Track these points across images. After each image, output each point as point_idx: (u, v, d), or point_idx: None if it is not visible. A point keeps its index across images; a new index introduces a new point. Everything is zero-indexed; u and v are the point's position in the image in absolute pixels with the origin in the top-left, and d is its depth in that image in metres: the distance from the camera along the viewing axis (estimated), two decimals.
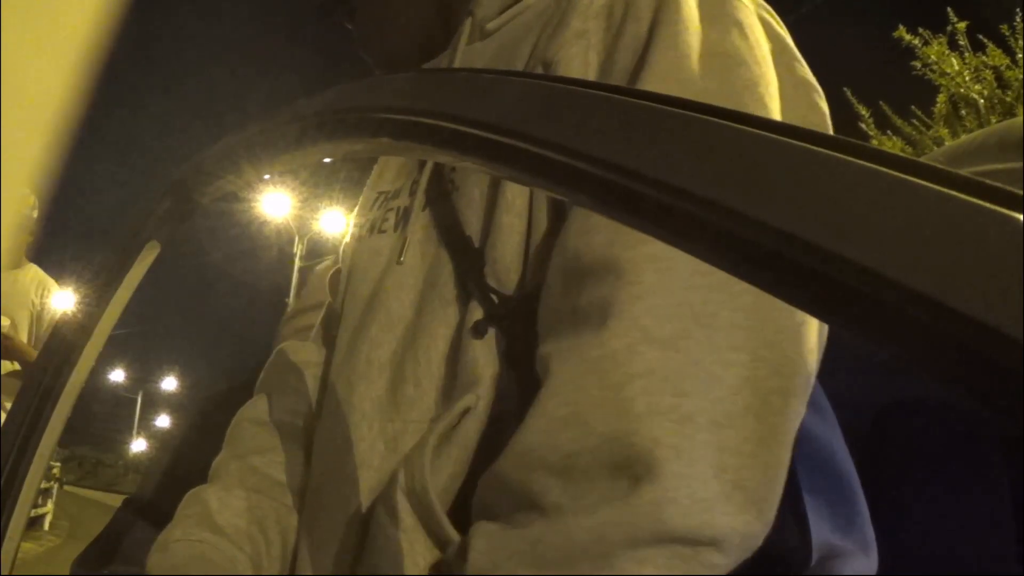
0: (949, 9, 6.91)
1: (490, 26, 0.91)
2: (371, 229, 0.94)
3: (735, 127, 0.34)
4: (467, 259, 0.78)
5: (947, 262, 0.27)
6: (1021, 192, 0.26)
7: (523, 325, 0.72)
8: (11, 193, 0.28)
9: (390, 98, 0.52)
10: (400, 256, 0.84)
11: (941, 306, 0.27)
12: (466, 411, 0.72)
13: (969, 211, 0.27)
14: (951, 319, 0.26)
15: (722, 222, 0.33)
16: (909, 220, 0.28)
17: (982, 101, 6.82)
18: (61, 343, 0.88)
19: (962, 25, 6.95)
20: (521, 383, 0.72)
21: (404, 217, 0.89)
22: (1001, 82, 6.84)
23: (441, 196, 0.84)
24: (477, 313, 0.75)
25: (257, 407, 1.06)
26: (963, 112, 7.12)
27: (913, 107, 7.42)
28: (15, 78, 0.28)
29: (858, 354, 0.71)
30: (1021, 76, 6.65)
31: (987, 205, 0.27)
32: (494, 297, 0.75)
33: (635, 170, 0.35)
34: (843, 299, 0.30)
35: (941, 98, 7.21)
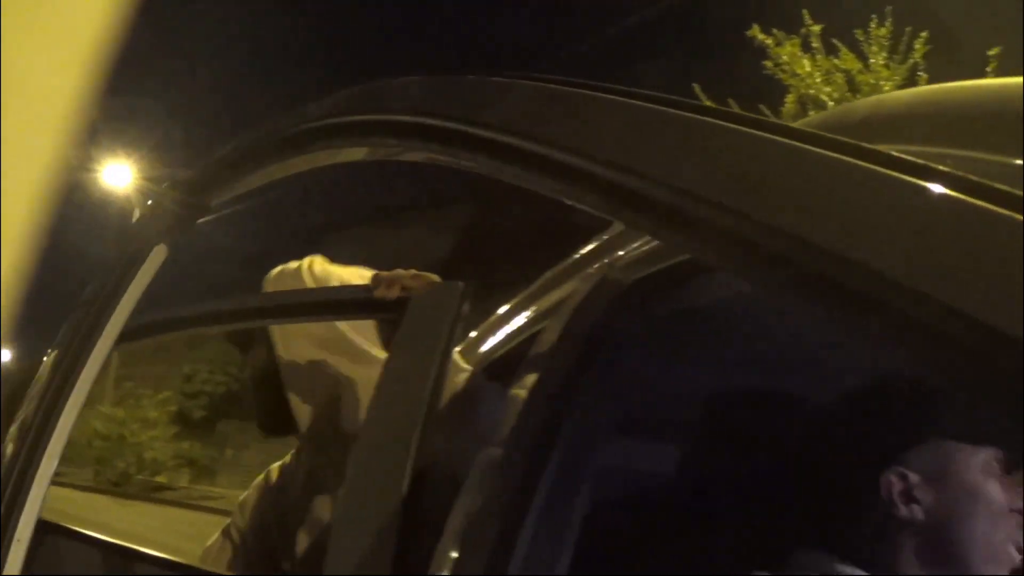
0: (805, 11, 7.08)
1: None
2: None
3: (737, 128, 0.34)
4: None
5: (947, 262, 0.27)
6: (1021, 192, 0.27)
7: None
8: (15, 194, 0.27)
9: (397, 102, 0.51)
10: None
11: (941, 305, 0.27)
12: None
13: (969, 211, 0.27)
14: (951, 318, 0.26)
15: (725, 223, 0.33)
16: (910, 220, 0.29)
17: (831, 103, 7.03)
18: (69, 344, 0.87)
19: (816, 28, 7.13)
20: None
21: None
22: (852, 85, 7.07)
23: None
24: None
25: None
26: (811, 113, 7.35)
27: (762, 106, 7.58)
28: (20, 78, 0.26)
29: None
30: (872, 81, 6.88)
31: (987, 205, 0.27)
32: None
33: (641, 171, 0.35)
34: (842, 298, 0.30)
35: (790, 98, 7.37)
